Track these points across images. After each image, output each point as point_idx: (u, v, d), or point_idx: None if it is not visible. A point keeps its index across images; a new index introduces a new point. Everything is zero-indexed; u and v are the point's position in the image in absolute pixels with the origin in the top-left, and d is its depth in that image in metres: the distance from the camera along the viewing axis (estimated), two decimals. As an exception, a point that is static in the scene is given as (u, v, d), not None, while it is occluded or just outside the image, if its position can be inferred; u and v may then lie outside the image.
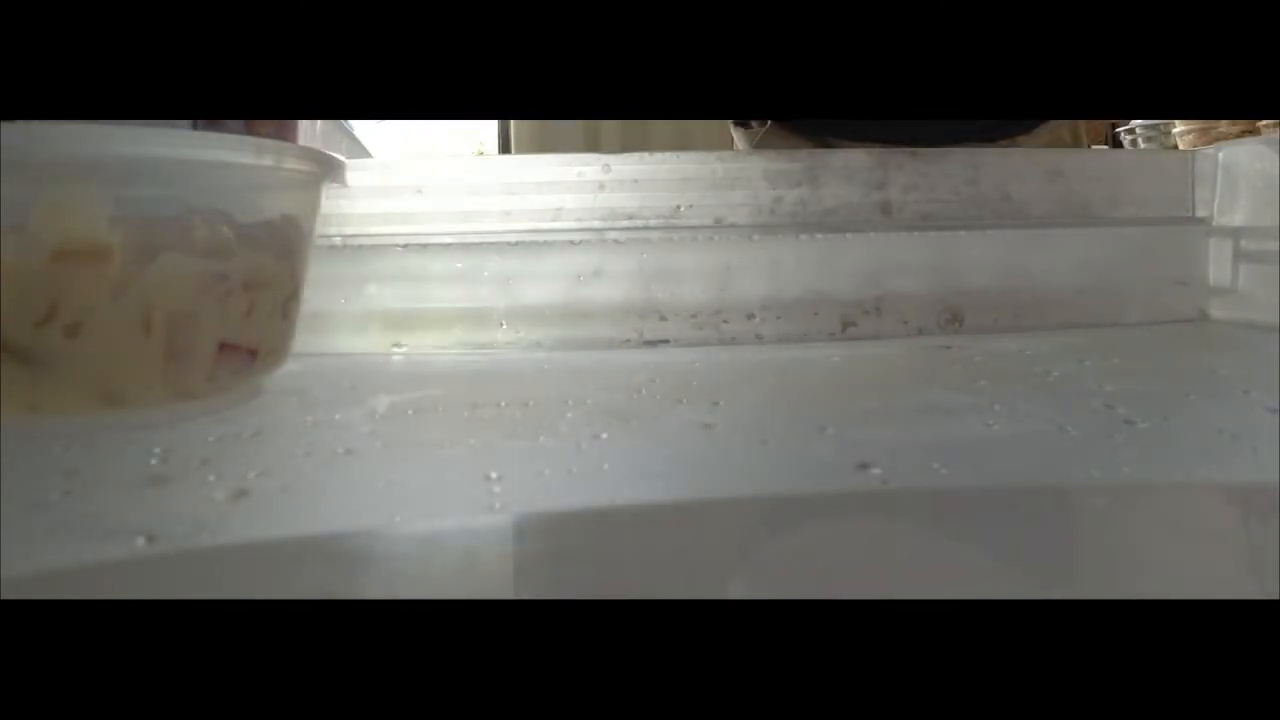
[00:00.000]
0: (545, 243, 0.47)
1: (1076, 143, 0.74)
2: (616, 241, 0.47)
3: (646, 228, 0.48)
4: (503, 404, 0.32)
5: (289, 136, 0.53)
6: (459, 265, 0.46)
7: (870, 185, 0.50)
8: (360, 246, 0.46)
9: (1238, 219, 0.51)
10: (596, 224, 0.48)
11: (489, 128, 2.00)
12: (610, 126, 1.77)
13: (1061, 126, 0.71)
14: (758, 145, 0.74)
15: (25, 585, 0.17)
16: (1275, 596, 0.18)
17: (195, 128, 0.41)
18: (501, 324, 0.46)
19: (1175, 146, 0.72)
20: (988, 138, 0.66)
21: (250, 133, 0.42)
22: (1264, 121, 0.59)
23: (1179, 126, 0.72)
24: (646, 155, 0.48)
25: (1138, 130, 1.07)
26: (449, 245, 0.46)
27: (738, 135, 0.80)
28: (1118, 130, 1.18)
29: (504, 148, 1.93)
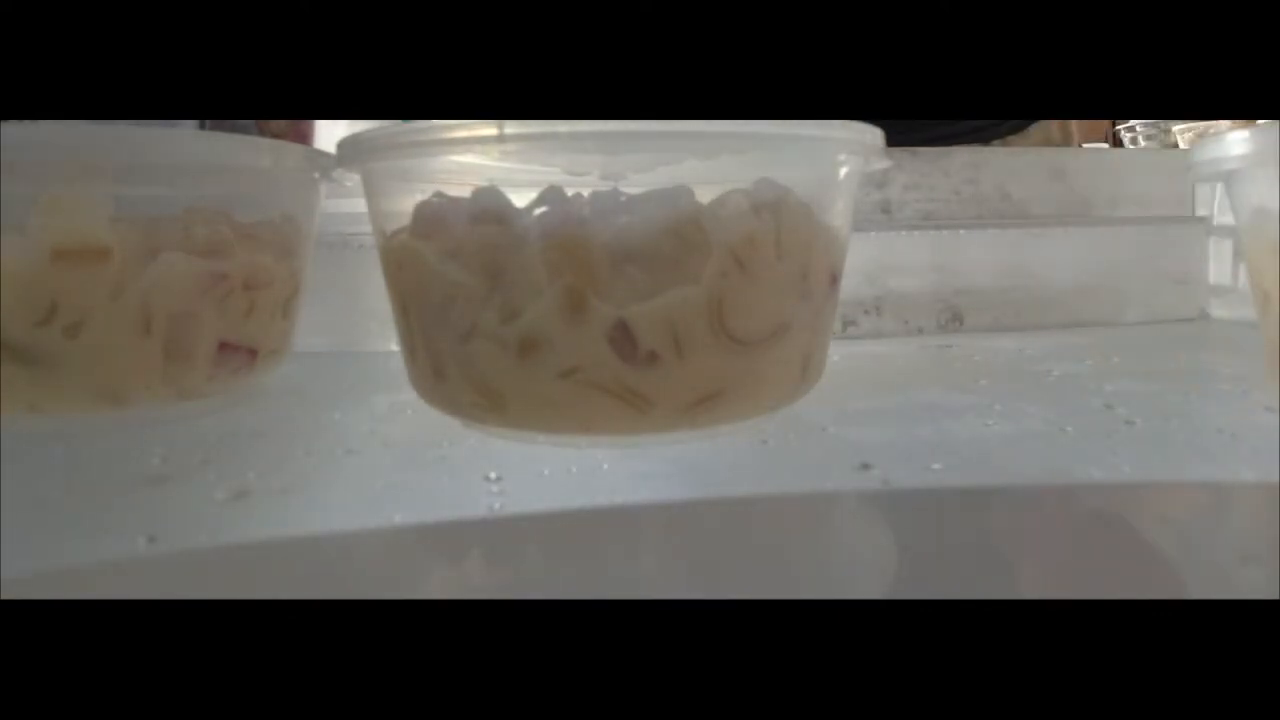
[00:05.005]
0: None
1: (1067, 142, 0.73)
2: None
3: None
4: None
5: (304, 134, 0.53)
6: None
7: (870, 184, 0.50)
8: (360, 245, 0.46)
9: (1238, 218, 0.51)
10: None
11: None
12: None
13: (1050, 126, 0.70)
14: None
15: (25, 585, 0.17)
16: (1275, 596, 0.18)
17: (203, 127, 0.41)
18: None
19: (1175, 145, 0.71)
20: (979, 139, 0.65)
21: (262, 131, 0.42)
22: (1264, 121, 0.59)
23: (1179, 125, 0.72)
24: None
25: (1138, 129, 1.07)
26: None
27: None
28: (1118, 129, 1.18)
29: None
